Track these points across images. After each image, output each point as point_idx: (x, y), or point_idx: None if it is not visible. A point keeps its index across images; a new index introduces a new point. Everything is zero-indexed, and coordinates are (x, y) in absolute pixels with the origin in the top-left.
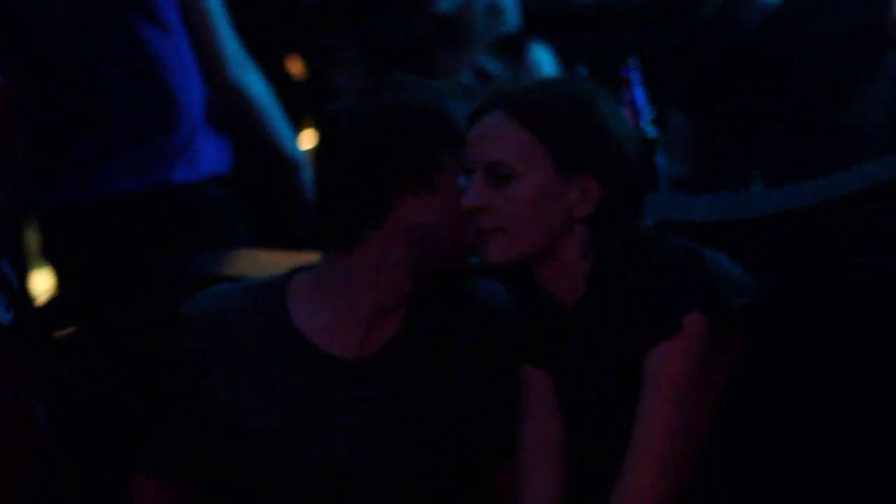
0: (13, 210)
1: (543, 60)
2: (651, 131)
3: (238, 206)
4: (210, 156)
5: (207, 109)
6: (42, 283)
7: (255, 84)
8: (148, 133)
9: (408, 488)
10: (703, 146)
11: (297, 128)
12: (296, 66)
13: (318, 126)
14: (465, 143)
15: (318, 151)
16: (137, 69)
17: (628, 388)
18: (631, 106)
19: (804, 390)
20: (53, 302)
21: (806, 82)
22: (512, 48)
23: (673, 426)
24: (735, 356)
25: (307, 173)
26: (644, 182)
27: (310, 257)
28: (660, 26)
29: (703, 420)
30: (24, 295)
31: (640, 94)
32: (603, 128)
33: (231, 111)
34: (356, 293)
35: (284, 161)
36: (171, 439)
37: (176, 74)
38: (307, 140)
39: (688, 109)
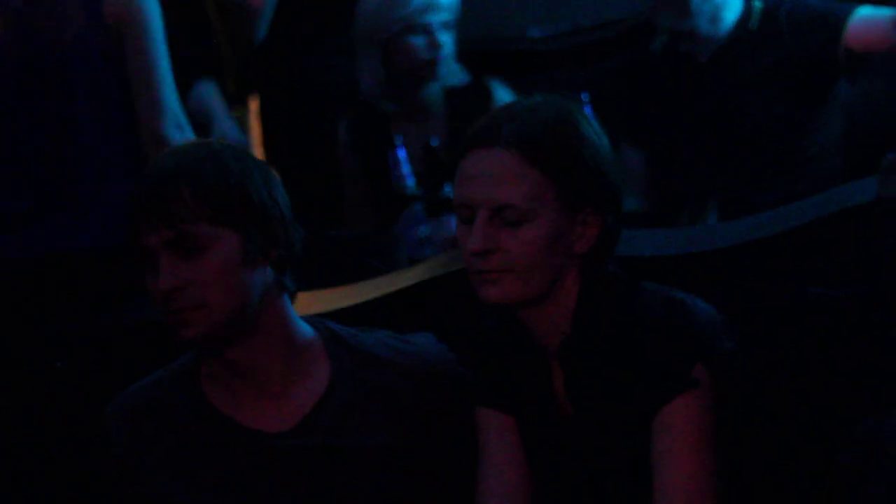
0: None
1: (504, 99)
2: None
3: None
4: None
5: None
6: None
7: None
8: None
9: None
10: (657, 179)
11: None
12: None
13: None
14: (460, 177)
15: None
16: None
17: (626, 436)
18: None
19: (761, 417)
20: None
21: (757, 113)
22: None
23: (700, 472)
24: (729, 397)
25: None
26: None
27: None
28: (610, 62)
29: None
30: None
31: None
32: (603, 161)
33: None
34: (262, 366)
35: None
36: None
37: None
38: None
39: (640, 142)
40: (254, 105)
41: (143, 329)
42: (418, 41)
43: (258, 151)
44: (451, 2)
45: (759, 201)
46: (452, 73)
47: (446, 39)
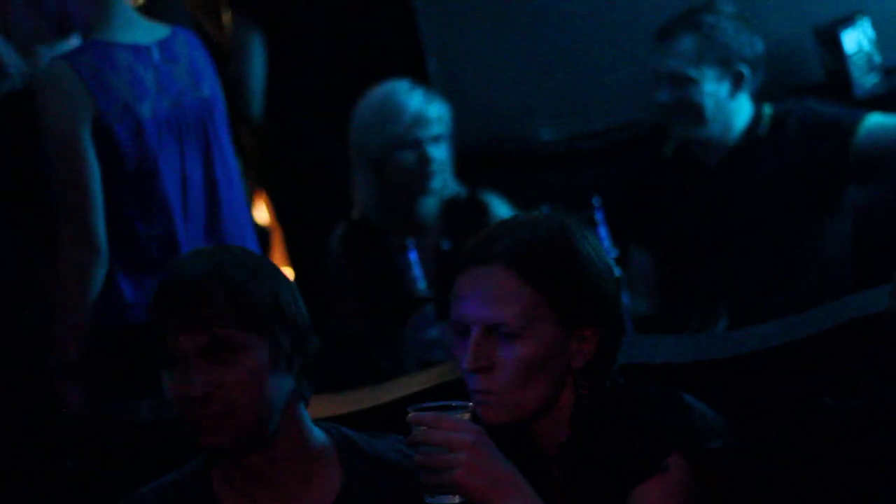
0: None
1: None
2: (615, 270)
3: None
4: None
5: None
6: None
7: None
8: None
9: None
10: (666, 282)
11: None
12: None
13: None
14: (455, 294)
15: None
16: None
17: None
18: None
19: None
20: None
21: (766, 217)
22: None
23: None
24: (713, 492)
25: None
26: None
27: None
28: (622, 165)
29: None
30: None
31: (603, 233)
32: (599, 279)
33: None
34: (277, 472)
35: None
36: None
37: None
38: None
39: (650, 245)
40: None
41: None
42: (409, 156)
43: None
44: (443, 114)
45: (769, 305)
46: (448, 185)
47: (439, 153)
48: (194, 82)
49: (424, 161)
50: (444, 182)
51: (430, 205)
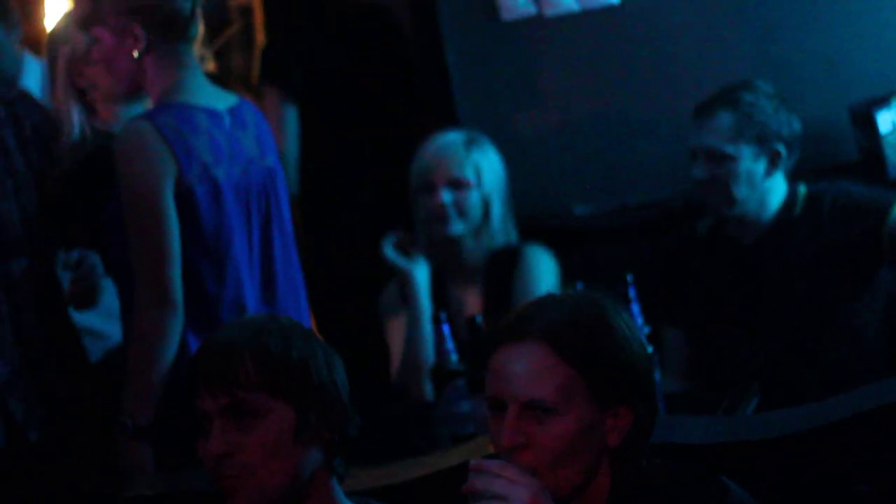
0: None
1: (543, 267)
2: (648, 348)
3: None
4: None
5: None
6: None
7: None
8: None
9: None
10: (698, 361)
11: None
12: None
13: None
14: (491, 371)
15: None
16: None
17: None
18: None
19: None
20: None
21: (800, 297)
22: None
23: None
24: None
25: None
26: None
27: None
28: (656, 242)
29: None
30: None
31: (636, 310)
32: (634, 357)
33: None
34: None
35: None
36: None
37: None
38: None
39: (683, 324)
40: None
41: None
42: (424, 199)
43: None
44: (479, 161)
45: (801, 385)
46: (496, 237)
47: (457, 197)
48: (261, 151)
49: (438, 203)
50: (469, 229)
51: (474, 252)
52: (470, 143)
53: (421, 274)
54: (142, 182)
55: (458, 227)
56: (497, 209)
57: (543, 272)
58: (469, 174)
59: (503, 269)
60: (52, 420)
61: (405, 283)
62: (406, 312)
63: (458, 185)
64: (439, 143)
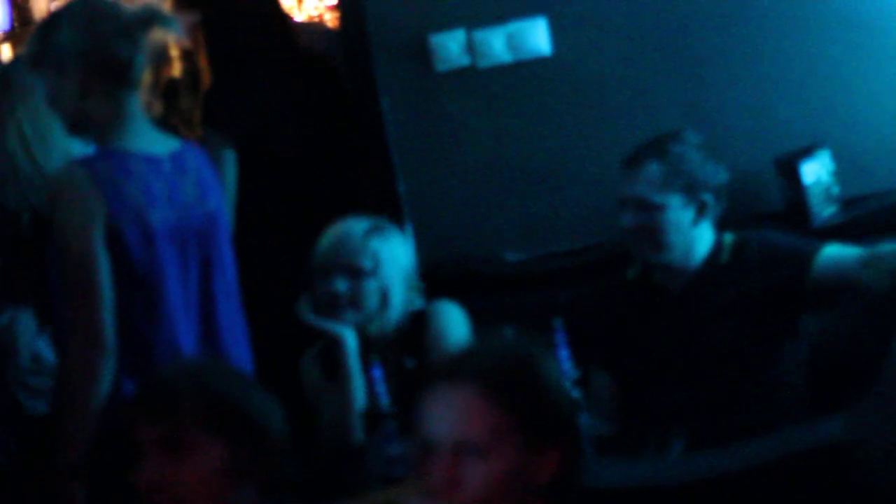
0: None
1: (454, 322)
2: (574, 393)
3: None
4: None
5: None
6: None
7: None
8: None
9: None
10: (625, 405)
11: None
12: None
13: None
14: (421, 413)
15: None
16: None
17: None
18: None
19: None
20: None
21: (724, 343)
22: None
23: None
24: None
25: None
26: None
27: None
28: (585, 288)
29: None
30: None
31: (565, 355)
32: (562, 398)
33: None
34: None
35: None
36: None
37: None
38: None
39: (610, 367)
40: None
41: None
42: (321, 286)
43: None
44: (379, 251)
45: (725, 429)
46: (396, 316)
47: (350, 287)
48: (201, 195)
49: (331, 292)
50: (364, 318)
51: (378, 330)
52: (370, 232)
53: (350, 337)
54: (70, 225)
55: (349, 317)
56: (397, 296)
57: (454, 326)
58: (366, 263)
59: (414, 331)
60: None
61: (335, 349)
62: (329, 385)
63: (354, 273)
64: (340, 230)
